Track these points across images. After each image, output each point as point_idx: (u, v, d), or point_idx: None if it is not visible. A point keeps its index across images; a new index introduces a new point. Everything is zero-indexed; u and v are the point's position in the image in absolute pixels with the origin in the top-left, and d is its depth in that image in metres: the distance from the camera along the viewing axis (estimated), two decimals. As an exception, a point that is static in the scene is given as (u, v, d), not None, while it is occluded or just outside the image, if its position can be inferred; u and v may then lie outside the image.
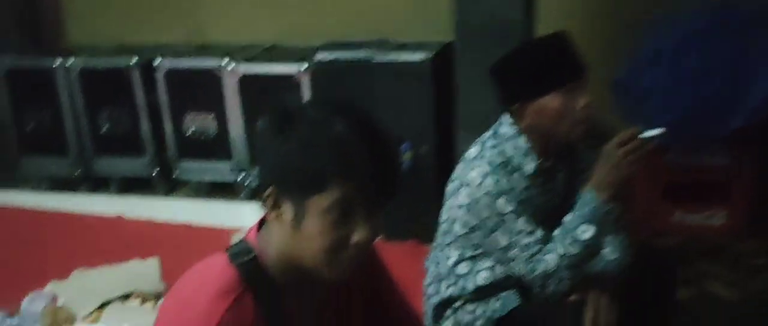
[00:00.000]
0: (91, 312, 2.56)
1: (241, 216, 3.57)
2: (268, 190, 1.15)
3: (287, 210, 1.14)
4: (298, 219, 1.13)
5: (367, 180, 1.11)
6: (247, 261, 1.19)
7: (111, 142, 4.03)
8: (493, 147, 1.85)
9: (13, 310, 2.61)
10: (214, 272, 1.18)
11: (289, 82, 3.54)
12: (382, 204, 1.16)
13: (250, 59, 3.73)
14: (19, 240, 3.42)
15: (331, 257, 1.14)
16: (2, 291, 2.80)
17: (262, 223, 1.25)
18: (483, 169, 1.82)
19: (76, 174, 4.11)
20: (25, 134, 4.13)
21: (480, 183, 1.81)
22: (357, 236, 1.14)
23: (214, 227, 3.41)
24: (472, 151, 1.90)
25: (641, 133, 1.74)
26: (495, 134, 1.89)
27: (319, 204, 1.11)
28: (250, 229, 1.25)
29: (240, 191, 3.86)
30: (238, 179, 3.82)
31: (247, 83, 3.66)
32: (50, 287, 2.79)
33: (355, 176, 1.11)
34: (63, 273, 2.91)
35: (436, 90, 3.09)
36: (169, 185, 4.07)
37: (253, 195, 3.83)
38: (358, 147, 1.11)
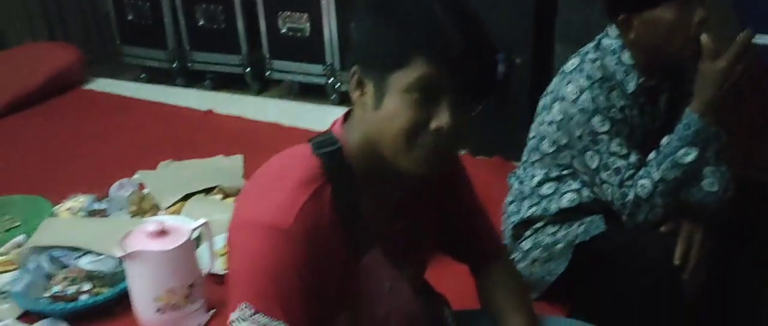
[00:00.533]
0: (174, 203, 2.60)
1: (329, 120, 3.54)
2: (353, 69, 1.10)
3: (369, 89, 1.08)
4: (379, 97, 1.06)
5: (454, 62, 1.02)
6: (330, 152, 1.14)
7: (207, 36, 4.05)
8: (594, 60, 1.71)
9: (102, 195, 2.68)
10: (298, 161, 1.14)
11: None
12: (470, 96, 1.06)
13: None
14: (113, 128, 3.51)
15: (408, 141, 1.06)
16: (94, 175, 2.89)
17: (348, 116, 1.19)
18: (580, 84, 1.68)
19: (172, 66, 4.17)
20: (126, 24, 4.20)
21: (575, 99, 1.67)
22: (437, 121, 1.05)
23: (302, 128, 3.39)
24: (571, 63, 1.76)
25: (751, 40, 1.53)
26: (597, 46, 1.74)
27: (401, 80, 1.03)
28: (336, 121, 1.20)
29: (330, 94, 3.82)
30: (329, 82, 3.78)
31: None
32: (138, 175, 2.85)
33: (442, 54, 1.02)
34: (151, 163, 2.97)
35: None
36: (261, 84, 4.07)
37: (344, 99, 3.79)
38: (448, 25, 1.02)
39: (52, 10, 4.18)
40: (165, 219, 2.10)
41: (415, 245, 1.30)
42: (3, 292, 2.07)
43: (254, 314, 1.07)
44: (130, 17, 4.18)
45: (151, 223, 1.90)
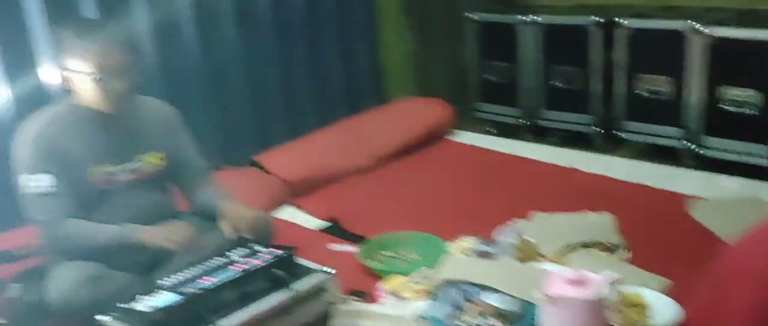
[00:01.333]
0: (555, 253, 2.74)
1: (687, 184, 3.50)
2: None
3: None
4: None
5: None
6: None
7: (561, 96, 4.24)
8: None
9: (484, 237, 2.90)
10: None
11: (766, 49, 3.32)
12: None
13: (720, 23, 3.57)
14: (478, 176, 3.80)
15: None
16: (469, 219, 3.15)
17: None
18: None
19: (523, 122, 4.42)
20: (485, 83, 4.56)
21: None
22: None
23: (668, 190, 3.37)
24: None
25: None
26: None
27: None
28: None
29: (685, 158, 3.77)
30: (688, 146, 3.74)
31: (716, 48, 3.53)
32: (515, 223, 3.04)
33: None
34: (520, 212, 3.15)
35: None
36: (611, 143, 4.15)
37: (701, 162, 3.72)
38: None
39: (423, 70, 4.69)
40: (569, 269, 2.26)
41: None
42: (421, 317, 2.35)
43: None
44: (489, 77, 4.53)
45: (569, 272, 2.05)
